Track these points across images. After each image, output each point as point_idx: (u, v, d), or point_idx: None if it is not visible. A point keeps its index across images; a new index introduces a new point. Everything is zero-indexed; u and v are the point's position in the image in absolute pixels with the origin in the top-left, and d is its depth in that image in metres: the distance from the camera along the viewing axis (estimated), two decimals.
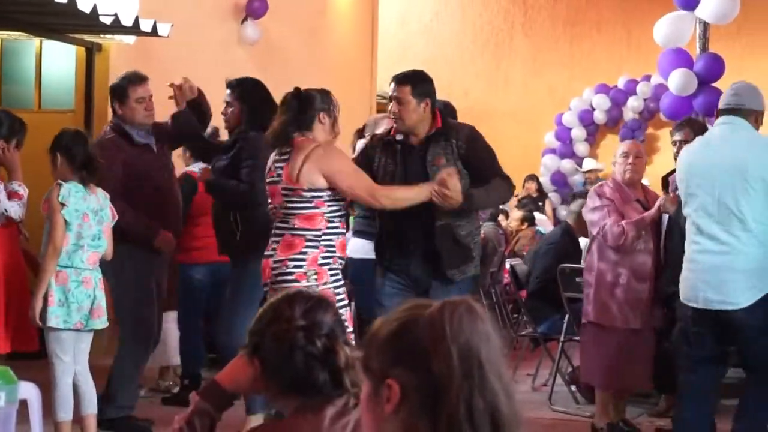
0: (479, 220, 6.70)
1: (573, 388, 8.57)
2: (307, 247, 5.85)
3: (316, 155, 5.86)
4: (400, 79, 6.28)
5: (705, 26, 10.53)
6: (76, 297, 6.35)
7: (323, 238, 5.88)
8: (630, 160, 7.43)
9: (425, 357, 2.08)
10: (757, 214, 5.86)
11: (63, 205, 6.31)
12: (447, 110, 7.71)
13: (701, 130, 7.41)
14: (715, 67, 10.47)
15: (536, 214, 14.19)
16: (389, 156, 6.33)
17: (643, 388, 7.86)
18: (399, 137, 6.32)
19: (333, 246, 5.93)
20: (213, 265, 8.01)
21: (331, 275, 5.91)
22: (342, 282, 6.03)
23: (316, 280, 5.82)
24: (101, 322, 6.52)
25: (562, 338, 8.49)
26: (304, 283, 5.75)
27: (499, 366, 2.11)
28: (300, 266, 5.84)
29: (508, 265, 9.50)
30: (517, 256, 12.08)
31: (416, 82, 6.28)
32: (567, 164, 18.09)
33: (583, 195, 9.34)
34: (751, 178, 5.85)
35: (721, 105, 6.14)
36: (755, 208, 5.85)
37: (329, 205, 5.90)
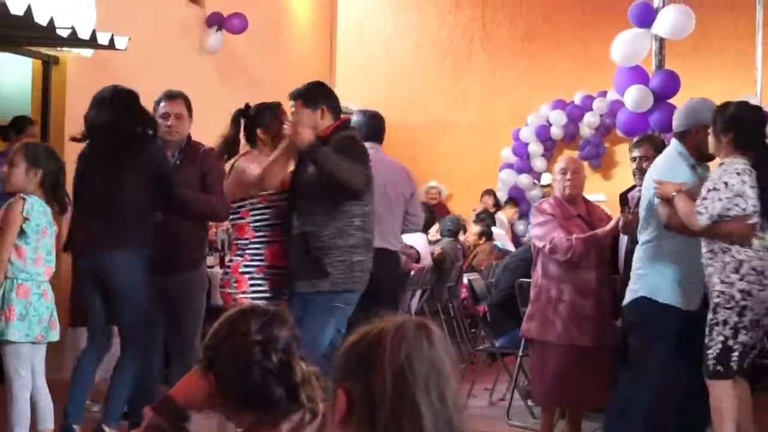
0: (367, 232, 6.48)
1: (530, 402, 8.59)
2: (236, 254, 6.10)
3: (235, 167, 6.02)
4: (292, 94, 6.38)
5: (661, 43, 10.60)
6: (36, 309, 6.30)
7: (250, 246, 5.99)
8: (568, 176, 7.45)
9: (367, 372, 2.12)
10: None
11: (26, 219, 6.26)
12: (373, 120, 7.75)
13: (661, 146, 7.48)
14: (670, 84, 10.54)
15: (493, 229, 14.22)
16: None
17: (598, 402, 7.89)
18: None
19: (261, 255, 5.97)
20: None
21: (251, 284, 5.96)
22: (265, 294, 6.03)
23: (236, 287, 5.93)
24: (56, 334, 6.49)
25: (519, 353, 8.50)
26: (228, 289, 6.06)
27: (442, 389, 2.13)
28: (227, 273, 6.13)
29: (465, 280, 9.50)
30: (474, 270, 12.11)
31: (308, 94, 6.37)
32: (524, 179, 18.15)
33: None
34: None
35: None
36: None
37: (253, 215, 6.00)
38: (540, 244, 7.34)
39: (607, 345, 7.36)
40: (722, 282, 6.20)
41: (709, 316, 6.27)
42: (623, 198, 7.98)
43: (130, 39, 9.67)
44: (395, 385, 2.10)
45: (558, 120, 18.23)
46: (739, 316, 6.18)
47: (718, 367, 6.23)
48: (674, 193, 6.25)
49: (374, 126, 7.67)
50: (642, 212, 6.68)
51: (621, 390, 6.79)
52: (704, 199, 6.11)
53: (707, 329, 6.26)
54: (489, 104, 19.21)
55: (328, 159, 6.08)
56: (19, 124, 9.92)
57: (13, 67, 11.26)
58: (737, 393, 6.31)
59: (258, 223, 6.00)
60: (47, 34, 8.81)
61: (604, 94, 17.70)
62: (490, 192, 17.37)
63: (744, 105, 6.50)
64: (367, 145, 6.82)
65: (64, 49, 10.18)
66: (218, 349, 2.94)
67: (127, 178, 6.68)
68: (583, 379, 7.30)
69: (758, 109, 6.61)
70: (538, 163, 18.30)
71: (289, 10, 16.96)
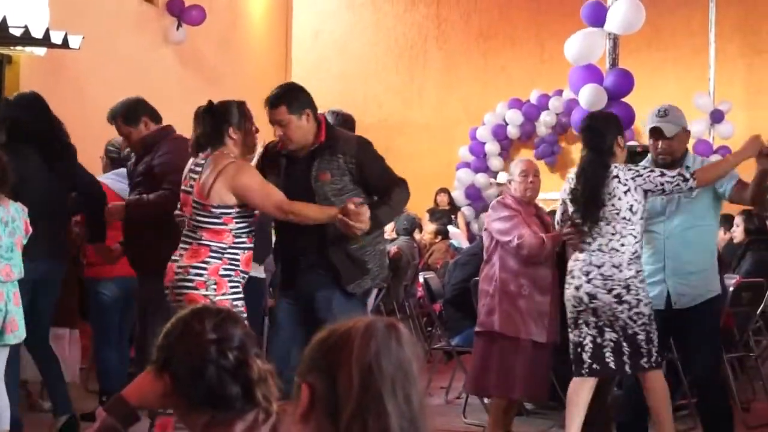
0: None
1: (486, 400, 8.62)
2: (211, 257, 5.90)
3: (227, 173, 5.87)
4: (273, 102, 6.18)
5: (615, 42, 10.67)
6: None
7: (228, 251, 5.92)
8: (530, 179, 7.54)
9: (333, 369, 2.14)
10: None
11: None
12: (346, 124, 7.72)
13: None
14: (624, 82, 10.61)
15: (449, 228, 14.25)
16: (274, 169, 6.31)
17: (540, 401, 7.95)
18: (284, 151, 6.31)
19: (237, 260, 5.95)
20: (122, 280, 7.90)
21: (231, 287, 5.93)
22: (242, 295, 6.02)
23: (215, 289, 5.86)
24: (14, 336, 6.42)
25: None
26: (202, 291, 5.83)
27: (408, 390, 2.15)
28: (201, 275, 5.89)
29: (421, 279, 9.53)
30: (430, 269, 12.13)
31: (290, 98, 6.19)
32: (481, 178, 18.19)
33: None
34: None
35: None
36: None
37: (237, 222, 5.93)
38: (505, 238, 7.36)
39: (554, 343, 7.48)
40: None
41: None
42: None
43: (83, 38, 9.63)
44: (362, 382, 2.11)
45: (514, 119, 18.30)
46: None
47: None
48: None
49: (350, 127, 7.63)
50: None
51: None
52: None
53: None
54: (444, 103, 19.25)
55: (387, 219, 6.45)
56: None
57: None
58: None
59: (239, 230, 5.96)
60: (0, 33, 8.75)
61: (560, 92, 17.76)
62: (445, 190, 17.40)
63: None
64: None
65: (18, 48, 10.12)
66: (172, 349, 2.93)
67: None
68: (534, 376, 7.42)
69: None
70: (495, 162, 18.36)
71: (244, 7, 16.94)
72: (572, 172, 6.67)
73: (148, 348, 6.71)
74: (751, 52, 18.19)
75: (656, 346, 6.46)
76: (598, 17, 10.48)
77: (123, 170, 7.81)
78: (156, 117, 7.28)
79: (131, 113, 7.21)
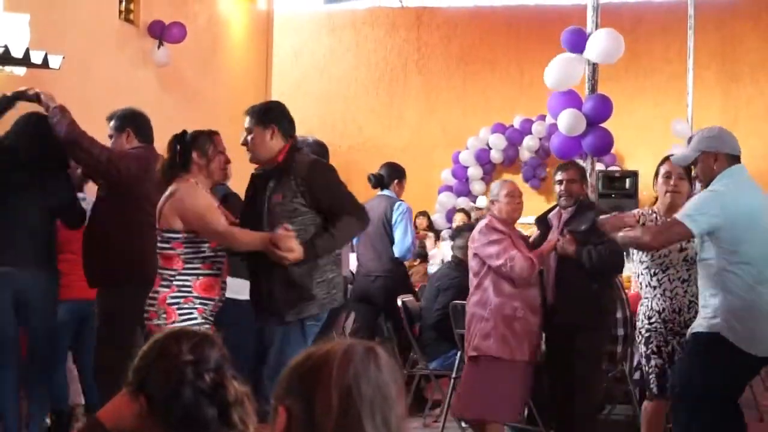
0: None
1: (463, 424, 8.60)
2: (161, 285, 5.91)
3: (175, 197, 5.89)
4: (247, 110, 6.25)
5: (594, 68, 10.71)
6: None
7: (177, 278, 5.88)
8: (517, 200, 7.63)
9: (311, 392, 2.14)
10: None
11: None
12: (320, 149, 7.72)
13: (583, 171, 7.78)
14: (603, 108, 10.65)
15: (429, 251, 14.23)
16: (250, 188, 6.32)
17: (513, 422, 7.95)
18: (256, 172, 6.31)
19: (188, 286, 5.90)
20: (75, 303, 7.83)
21: (181, 315, 5.88)
22: (197, 322, 5.95)
23: (165, 318, 5.83)
24: None
25: (453, 374, 8.52)
26: (155, 321, 5.83)
27: (387, 414, 2.15)
28: (152, 304, 5.89)
29: (399, 302, 9.51)
30: (409, 292, 12.10)
31: (260, 110, 6.21)
32: (462, 202, 18.22)
33: (468, 229, 9.41)
34: None
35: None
36: None
37: (186, 247, 5.90)
38: (496, 262, 7.38)
39: (534, 361, 7.56)
40: None
41: None
42: (543, 220, 7.95)
43: (64, 57, 9.61)
44: (341, 405, 2.11)
45: (498, 144, 18.36)
46: None
47: None
48: None
49: (321, 154, 7.61)
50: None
51: None
52: None
53: None
54: (424, 126, 19.29)
55: (326, 248, 6.08)
56: None
57: None
58: None
59: (189, 256, 5.93)
60: None
61: (543, 117, 17.83)
62: (424, 213, 17.40)
63: None
64: None
65: None
66: (148, 371, 2.92)
67: None
68: (521, 394, 7.51)
69: None
70: (477, 187, 18.40)
71: (225, 29, 16.95)
72: None
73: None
74: (728, 79, 18.32)
75: None
76: (578, 44, 10.52)
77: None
78: (144, 135, 7.20)
79: (119, 119, 7.19)
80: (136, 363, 2.96)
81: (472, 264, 7.69)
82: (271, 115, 6.18)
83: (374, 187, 10.17)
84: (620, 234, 6.36)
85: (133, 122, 7.21)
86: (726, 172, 6.02)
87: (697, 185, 6.50)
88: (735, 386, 6.05)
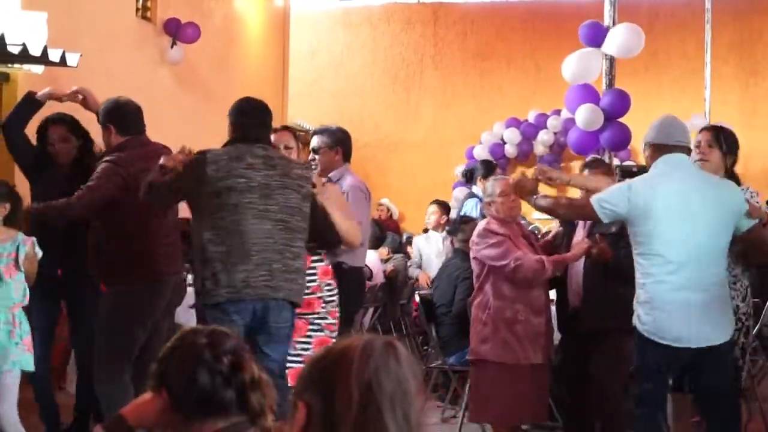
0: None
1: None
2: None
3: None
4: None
5: (611, 62, 10.69)
6: None
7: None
8: (512, 198, 7.37)
9: (331, 387, 2.14)
10: None
11: None
12: (343, 136, 7.62)
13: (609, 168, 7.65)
14: (621, 103, 10.63)
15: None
16: None
17: (541, 421, 7.91)
18: None
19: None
20: None
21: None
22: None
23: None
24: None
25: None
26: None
27: (407, 408, 2.15)
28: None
29: (417, 297, 9.50)
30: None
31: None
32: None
33: (463, 223, 9.40)
34: None
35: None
36: None
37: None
38: (500, 263, 7.26)
39: (551, 361, 7.47)
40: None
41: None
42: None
43: (81, 55, 9.63)
44: (362, 400, 2.11)
45: (512, 138, 18.31)
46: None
47: None
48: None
49: (344, 141, 7.54)
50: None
51: None
52: None
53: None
54: (440, 122, 19.28)
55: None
56: None
57: None
58: None
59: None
60: None
61: (558, 112, 17.78)
62: (440, 202, 17.32)
63: None
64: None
65: (15, 65, 10.11)
66: (168, 360, 2.96)
67: None
68: (536, 398, 7.38)
69: None
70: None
71: (241, 26, 16.96)
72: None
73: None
74: (745, 74, 18.26)
75: None
76: (596, 38, 10.50)
77: None
78: (125, 128, 6.95)
79: (101, 116, 7.05)
80: (158, 358, 3.01)
81: (473, 266, 7.63)
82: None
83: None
84: (539, 198, 6.46)
85: (112, 117, 6.96)
86: (655, 163, 6.04)
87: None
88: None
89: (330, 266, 6.55)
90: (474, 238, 7.54)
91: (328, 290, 6.49)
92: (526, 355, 7.28)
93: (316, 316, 6.44)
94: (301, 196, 6.04)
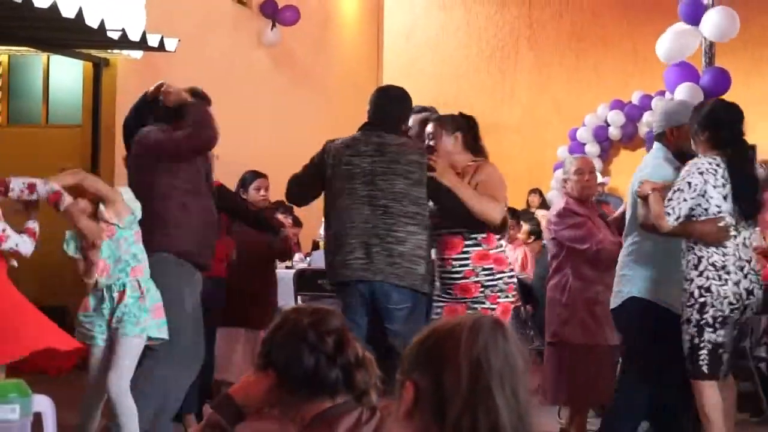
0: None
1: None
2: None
3: None
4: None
5: (711, 40, 10.55)
6: None
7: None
8: (586, 177, 7.42)
9: (439, 365, 2.15)
10: None
11: None
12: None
13: None
14: (721, 81, 10.48)
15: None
16: None
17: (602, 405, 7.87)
18: None
19: None
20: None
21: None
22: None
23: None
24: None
25: None
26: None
27: (515, 385, 2.15)
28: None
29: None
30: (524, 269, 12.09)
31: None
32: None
33: None
34: None
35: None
36: None
37: None
38: (582, 246, 7.23)
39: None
40: (685, 279, 6.15)
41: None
42: None
43: (179, 40, 9.74)
44: (470, 377, 2.12)
45: (616, 120, 18.16)
46: (699, 313, 6.08)
47: (689, 366, 6.14)
48: (650, 192, 6.13)
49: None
50: (628, 214, 6.59)
51: (622, 391, 6.73)
52: (670, 200, 6.00)
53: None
54: (536, 103, 19.17)
55: None
56: None
57: (64, 70, 11.36)
58: (722, 393, 6.16)
59: None
60: (98, 37, 8.90)
61: (662, 93, 17.56)
62: (536, 191, 17.31)
63: (719, 103, 6.45)
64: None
65: (115, 51, 10.28)
66: (273, 341, 3.00)
67: None
68: (610, 376, 7.32)
69: (734, 106, 6.43)
70: (595, 164, 18.22)
71: (337, 8, 17.02)
72: (702, 163, 6.12)
73: None
74: None
75: None
76: (694, 15, 10.37)
77: None
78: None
79: None
80: (264, 339, 3.06)
81: (550, 246, 7.60)
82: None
83: None
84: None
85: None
86: None
87: None
88: None
89: (490, 251, 6.50)
90: (552, 218, 7.52)
91: (486, 275, 6.46)
92: (605, 336, 7.27)
93: (473, 300, 6.46)
94: (412, 181, 6.28)
